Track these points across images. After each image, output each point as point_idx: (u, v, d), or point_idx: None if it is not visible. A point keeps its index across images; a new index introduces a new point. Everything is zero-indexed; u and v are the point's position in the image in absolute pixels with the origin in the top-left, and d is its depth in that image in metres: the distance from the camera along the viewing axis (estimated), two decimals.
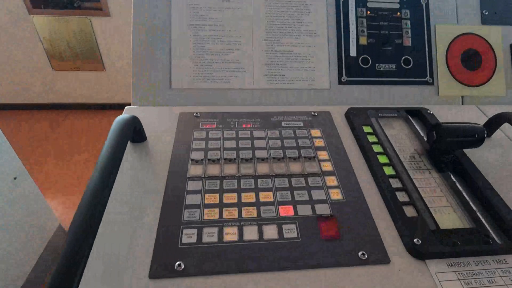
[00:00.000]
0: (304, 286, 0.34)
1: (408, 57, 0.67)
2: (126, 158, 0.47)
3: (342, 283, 0.35)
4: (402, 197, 0.43)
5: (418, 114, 0.59)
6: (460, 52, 0.68)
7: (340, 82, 0.64)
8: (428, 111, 0.59)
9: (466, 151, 0.51)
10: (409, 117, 0.59)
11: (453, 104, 0.67)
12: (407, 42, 0.67)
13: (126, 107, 0.57)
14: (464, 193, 0.45)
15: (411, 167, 0.48)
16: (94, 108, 2.35)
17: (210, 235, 0.38)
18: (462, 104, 0.67)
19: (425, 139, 0.53)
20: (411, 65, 0.67)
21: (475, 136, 0.46)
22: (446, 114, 0.61)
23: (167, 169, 0.46)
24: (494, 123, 0.54)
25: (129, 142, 0.49)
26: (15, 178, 1.04)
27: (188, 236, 0.37)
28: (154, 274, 0.34)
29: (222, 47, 0.63)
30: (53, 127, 2.17)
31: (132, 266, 0.35)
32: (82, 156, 1.92)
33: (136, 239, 0.37)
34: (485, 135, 0.47)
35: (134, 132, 0.48)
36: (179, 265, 0.34)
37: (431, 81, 0.67)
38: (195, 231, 0.38)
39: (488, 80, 0.68)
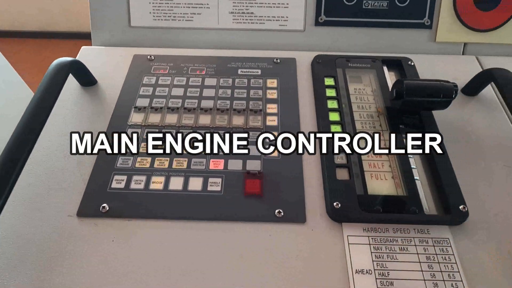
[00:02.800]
0: (217, 236, 0.36)
1: None
2: (74, 101, 0.48)
3: (253, 236, 0.36)
4: (339, 159, 0.41)
5: (397, 65, 0.52)
6: None
7: (317, 23, 0.57)
8: (410, 62, 0.52)
9: (437, 112, 0.46)
10: (385, 68, 0.52)
11: (450, 53, 0.57)
12: None
13: (82, 47, 0.55)
14: (412, 160, 0.42)
15: (363, 128, 0.45)
16: None
17: (137, 183, 0.40)
18: (463, 54, 0.58)
19: None
20: (407, 3, 0.56)
21: (440, 96, 0.41)
22: (432, 66, 0.53)
23: (110, 115, 0.46)
24: (480, 80, 0.47)
25: (79, 85, 0.50)
26: None
27: (118, 182, 0.40)
28: (81, 212, 0.38)
29: None
30: None
31: (62, 203, 0.38)
32: None
33: (71, 181, 0.40)
34: (454, 96, 0.41)
35: (80, 75, 0.48)
36: (103, 207, 0.38)
37: (428, 23, 0.57)
38: (124, 177, 0.40)
39: (504, 23, 0.56)
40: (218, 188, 0.39)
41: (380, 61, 0.52)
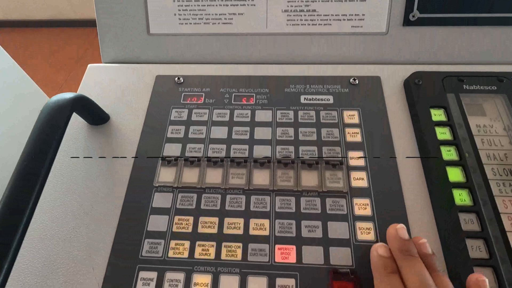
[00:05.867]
0: None
1: None
2: (77, 148, 0.35)
3: None
4: (476, 250, 0.27)
5: None
6: None
7: (406, 22, 0.40)
8: None
9: None
10: None
11: None
12: None
13: (89, 66, 0.42)
14: None
15: (502, 192, 0.30)
16: None
17: (173, 285, 0.27)
18: None
19: None
20: None
21: None
22: None
23: (130, 169, 0.33)
24: None
25: (87, 124, 0.37)
26: None
27: (145, 283, 0.27)
28: None
29: None
30: None
31: None
32: None
33: (79, 284, 0.28)
34: None
35: (87, 114, 0.35)
36: None
37: None
38: (154, 275, 0.28)
39: None
40: None
41: (510, 79, 0.35)
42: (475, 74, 0.36)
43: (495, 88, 0.35)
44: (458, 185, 0.30)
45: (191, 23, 0.42)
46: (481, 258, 0.27)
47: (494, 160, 0.31)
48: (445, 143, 0.32)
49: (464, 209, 0.29)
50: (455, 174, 0.30)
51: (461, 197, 0.29)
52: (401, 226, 0.26)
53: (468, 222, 0.28)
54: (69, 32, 2.06)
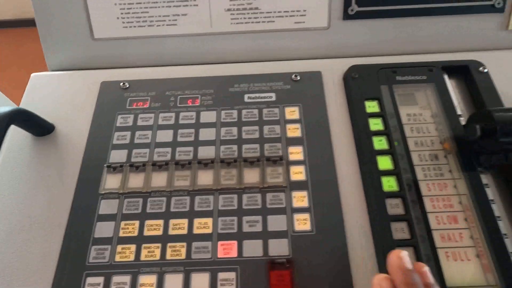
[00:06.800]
0: None
1: None
2: (21, 161, 0.35)
3: None
4: (400, 231, 0.29)
5: (463, 73, 0.38)
6: None
7: (346, 16, 0.41)
8: (481, 69, 0.37)
9: None
10: (447, 78, 0.38)
11: None
12: None
13: (32, 75, 0.41)
14: (500, 223, 0.29)
15: (426, 176, 0.32)
16: None
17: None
18: None
19: (463, 125, 0.34)
20: None
21: None
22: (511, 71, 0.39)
23: (76, 178, 0.34)
24: None
25: (31, 136, 0.37)
26: None
27: None
28: None
29: None
30: None
31: None
32: None
33: None
34: None
35: (29, 126, 0.35)
36: None
37: (500, 4, 0.41)
38: (101, 280, 0.29)
39: None
40: None
41: (439, 68, 0.37)
42: (408, 65, 0.38)
43: (425, 77, 0.37)
44: (386, 173, 0.32)
45: (135, 26, 0.42)
46: (403, 238, 0.29)
47: (421, 147, 0.34)
48: (377, 133, 0.34)
49: (391, 194, 0.31)
50: (385, 163, 0.32)
51: (389, 183, 0.31)
52: (404, 254, 0.24)
53: (394, 207, 0.30)
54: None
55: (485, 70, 0.37)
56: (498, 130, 0.27)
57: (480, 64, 0.37)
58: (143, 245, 0.30)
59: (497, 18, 0.41)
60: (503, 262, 0.27)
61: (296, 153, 0.34)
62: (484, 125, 0.29)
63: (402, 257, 0.23)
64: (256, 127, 0.36)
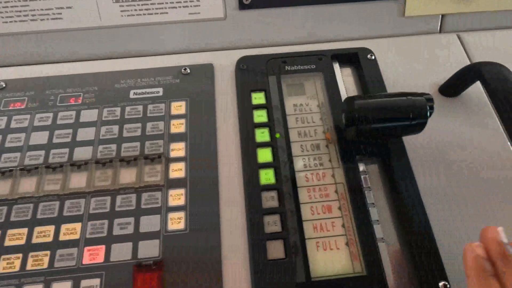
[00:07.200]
0: None
1: None
2: None
3: None
4: (272, 224, 0.29)
5: (355, 61, 0.38)
6: None
7: (241, 6, 0.40)
8: (370, 56, 0.37)
9: None
10: (337, 66, 0.37)
11: (424, 32, 0.43)
12: None
13: None
14: (373, 210, 0.30)
15: (306, 167, 0.32)
16: None
17: None
18: (440, 31, 0.43)
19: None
20: None
21: (409, 118, 0.28)
22: (400, 57, 0.39)
23: None
24: (463, 79, 0.34)
25: None
26: None
27: None
28: None
29: None
30: None
31: None
32: None
33: None
34: (429, 115, 0.28)
35: None
36: None
37: None
38: None
39: None
40: None
41: (329, 57, 0.37)
42: (298, 54, 0.37)
43: (314, 66, 0.37)
44: (265, 165, 0.31)
45: (16, 21, 0.39)
46: (275, 231, 0.28)
47: (304, 137, 0.33)
48: (260, 125, 0.33)
49: (267, 187, 0.30)
50: (264, 155, 0.32)
51: (266, 176, 0.31)
52: (501, 229, 0.23)
53: (269, 200, 0.30)
54: None
55: (373, 57, 0.37)
56: (357, 118, 0.27)
57: (369, 51, 0.37)
58: (2, 257, 0.28)
59: (392, 5, 0.42)
60: (369, 249, 0.28)
61: (177, 149, 0.33)
62: (347, 113, 0.29)
63: (500, 230, 0.23)
64: (139, 124, 0.34)
